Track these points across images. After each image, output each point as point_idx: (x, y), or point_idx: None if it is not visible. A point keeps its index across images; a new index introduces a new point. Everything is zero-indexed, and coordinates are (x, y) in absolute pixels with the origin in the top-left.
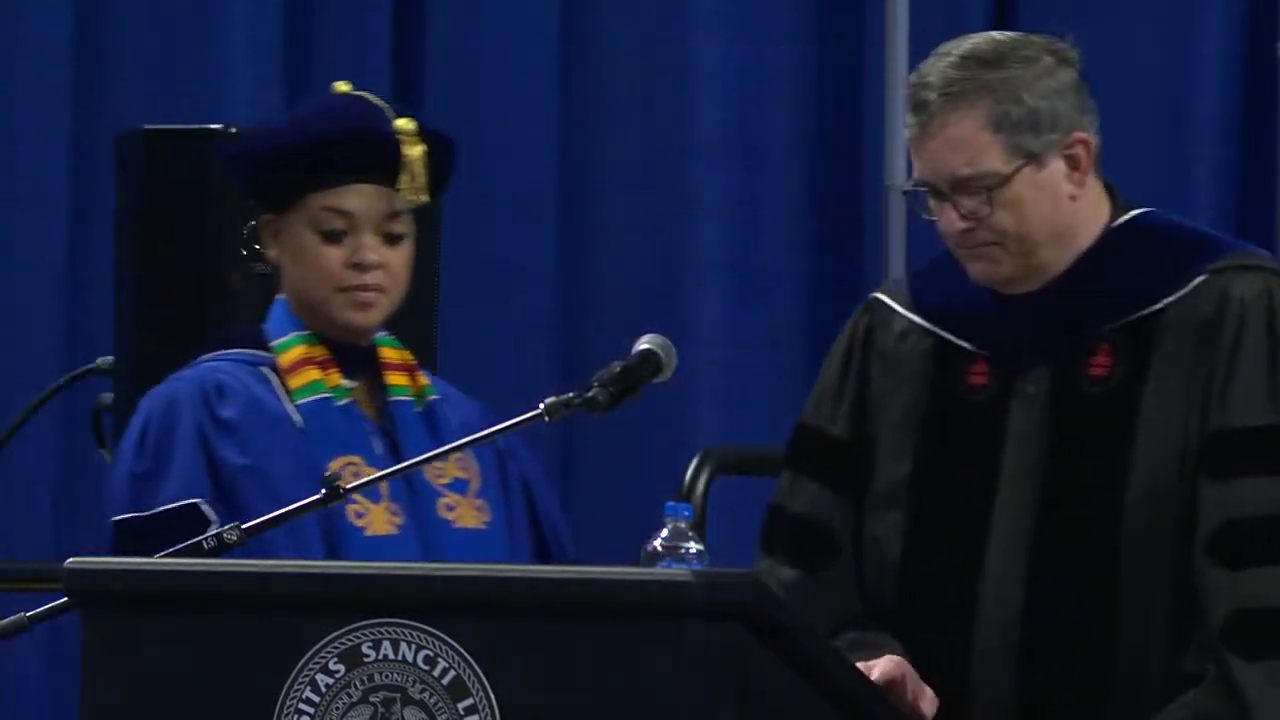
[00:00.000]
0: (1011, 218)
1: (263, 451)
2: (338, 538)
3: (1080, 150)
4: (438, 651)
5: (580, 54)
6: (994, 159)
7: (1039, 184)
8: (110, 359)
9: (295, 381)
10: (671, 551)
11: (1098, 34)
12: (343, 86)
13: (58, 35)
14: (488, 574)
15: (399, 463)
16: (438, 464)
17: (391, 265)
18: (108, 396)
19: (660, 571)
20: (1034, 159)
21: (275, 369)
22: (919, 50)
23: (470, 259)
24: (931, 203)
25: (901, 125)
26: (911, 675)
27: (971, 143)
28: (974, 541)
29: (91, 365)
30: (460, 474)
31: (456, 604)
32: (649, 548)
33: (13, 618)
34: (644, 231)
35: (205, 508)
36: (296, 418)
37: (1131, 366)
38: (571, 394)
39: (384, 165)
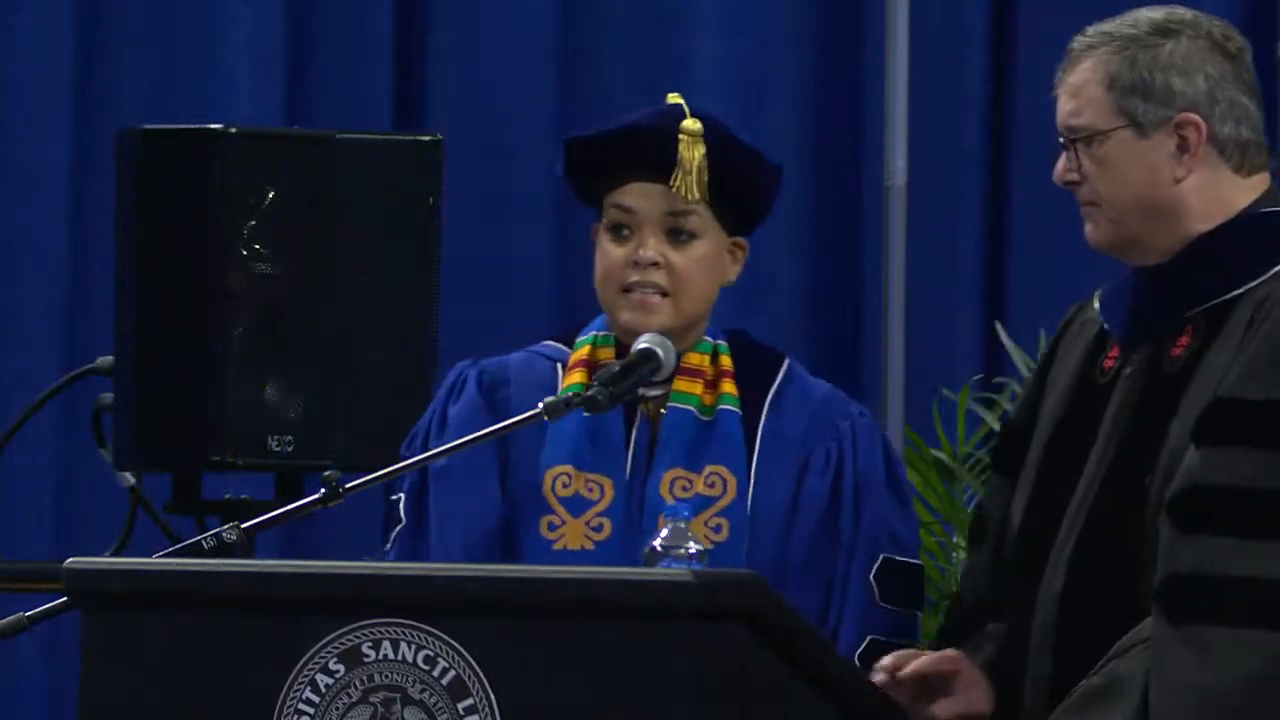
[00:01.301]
0: (1102, 178)
1: (465, 453)
2: (523, 549)
3: (1192, 133)
4: (438, 651)
5: (580, 54)
6: (1097, 113)
7: (1135, 152)
8: (110, 359)
9: (565, 381)
10: (671, 551)
11: None
12: (675, 98)
13: (58, 35)
14: (488, 574)
15: (640, 480)
16: (687, 476)
17: (676, 265)
18: (108, 396)
19: (660, 571)
20: (1137, 126)
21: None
22: (919, 50)
23: (470, 259)
24: None
25: (901, 125)
26: (963, 676)
27: (1083, 92)
28: (1054, 524)
29: (91, 365)
30: (707, 490)
31: (456, 604)
32: (649, 548)
33: (12, 618)
34: None
35: (401, 506)
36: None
37: (1198, 349)
38: (571, 394)
39: (661, 162)
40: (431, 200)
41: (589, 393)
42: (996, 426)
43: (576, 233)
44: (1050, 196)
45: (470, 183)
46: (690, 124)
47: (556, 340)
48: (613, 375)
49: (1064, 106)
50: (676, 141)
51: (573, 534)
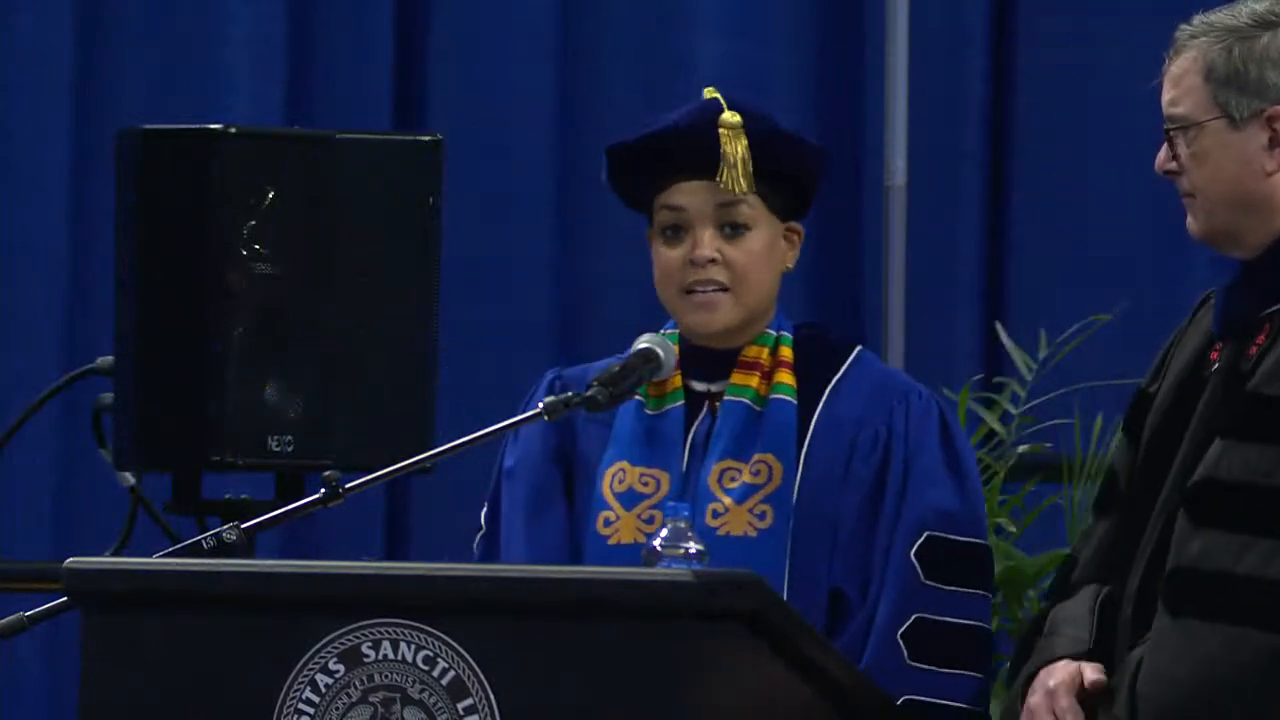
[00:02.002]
0: (1199, 171)
1: (523, 456)
2: (582, 543)
3: None
4: (438, 651)
5: (580, 54)
6: (1193, 104)
7: (1228, 144)
8: (110, 359)
9: None
10: (671, 551)
11: (1098, 33)
12: (711, 92)
13: (58, 35)
14: (488, 574)
15: (696, 473)
16: (736, 466)
17: (733, 260)
18: (108, 396)
19: (660, 571)
20: (1230, 118)
21: None
22: (919, 50)
23: (470, 259)
24: None
25: (901, 125)
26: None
27: (1182, 82)
28: (1145, 520)
29: (91, 365)
30: (752, 479)
31: (456, 604)
32: (649, 548)
33: (12, 617)
34: (644, 231)
35: (483, 514)
36: (615, 419)
37: (1268, 349)
38: (571, 393)
39: (706, 159)
40: (431, 200)
41: (589, 393)
42: (996, 427)
43: (576, 233)
44: (1050, 196)
45: (470, 183)
46: (729, 117)
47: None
48: (612, 375)
49: (1165, 96)
50: (718, 137)
51: (626, 528)
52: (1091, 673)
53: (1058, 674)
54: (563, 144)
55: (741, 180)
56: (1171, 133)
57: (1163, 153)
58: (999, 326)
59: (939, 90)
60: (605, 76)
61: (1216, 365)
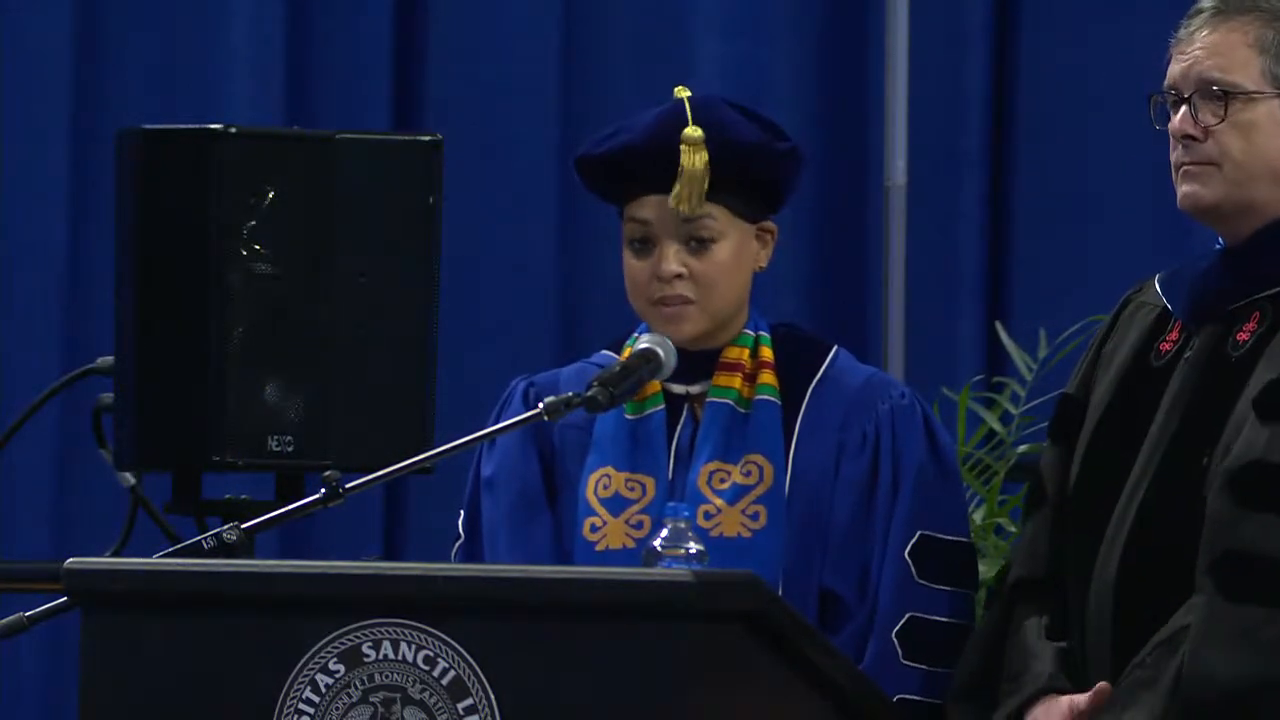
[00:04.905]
0: (1239, 140)
1: (502, 463)
2: (569, 550)
3: None
4: (438, 651)
5: (581, 54)
6: (1246, 74)
7: (1278, 119)
8: (110, 359)
9: None
10: (671, 551)
11: (1099, 34)
12: (682, 92)
13: (58, 35)
14: (488, 574)
15: (682, 476)
16: (725, 467)
17: (698, 273)
18: (108, 396)
19: (660, 572)
20: None
21: None
22: (919, 50)
23: (470, 259)
24: (1171, 111)
25: (901, 125)
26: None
27: (1231, 52)
28: (1108, 505)
29: (91, 365)
30: (743, 480)
31: (456, 604)
32: (649, 548)
33: (12, 618)
34: None
35: (460, 523)
36: (594, 424)
37: (1265, 333)
38: (571, 394)
39: (666, 175)
40: (431, 200)
41: (589, 393)
42: (997, 426)
43: (576, 233)
44: (1050, 196)
45: (470, 183)
46: (690, 132)
47: (608, 349)
48: (613, 375)
49: (1204, 61)
50: (676, 153)
51: (614, 533)
52: (1085, 701)
53: (1054, 715)
54: (563, 144)
55: (693, 200)
56: (1207, 98)
57: (1182, 117)
58: (999, 326)
59: (939, 90)
60: (605, 76)
61: (1183, 353)
